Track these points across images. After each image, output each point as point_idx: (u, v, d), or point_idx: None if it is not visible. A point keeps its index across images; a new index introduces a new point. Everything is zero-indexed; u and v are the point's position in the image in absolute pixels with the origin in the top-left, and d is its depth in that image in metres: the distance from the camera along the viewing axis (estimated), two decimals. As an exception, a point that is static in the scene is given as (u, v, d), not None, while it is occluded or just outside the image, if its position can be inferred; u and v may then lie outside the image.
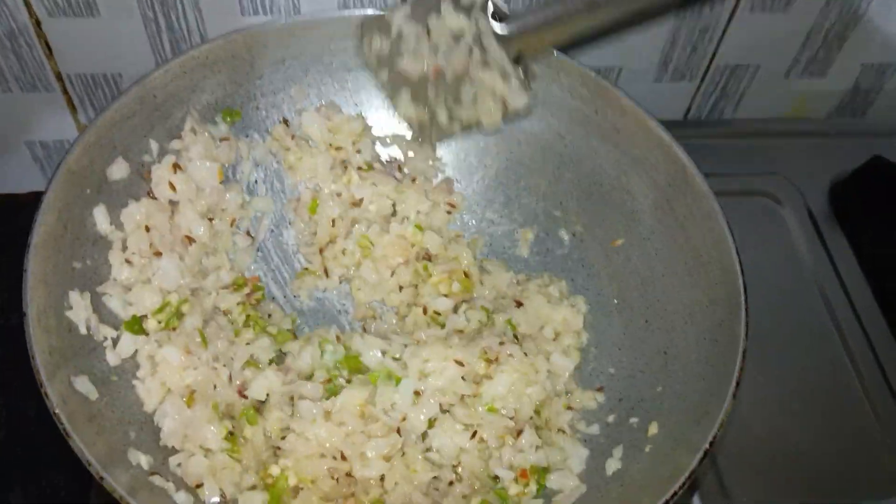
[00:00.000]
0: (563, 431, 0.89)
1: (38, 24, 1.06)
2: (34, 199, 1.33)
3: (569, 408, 0.92)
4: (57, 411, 0.69)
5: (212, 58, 0.97)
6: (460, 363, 0.87)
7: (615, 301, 1.00)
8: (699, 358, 0.87)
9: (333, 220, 1.04)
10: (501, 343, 0.89)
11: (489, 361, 0.89)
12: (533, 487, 0.84)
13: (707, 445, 0.74)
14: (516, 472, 0.84)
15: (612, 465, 0.84)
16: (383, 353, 0.89)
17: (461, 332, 0.94)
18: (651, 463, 0.80)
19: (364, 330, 1.00)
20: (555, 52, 1.01)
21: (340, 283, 1.05)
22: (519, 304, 0.98)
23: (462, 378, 0.87)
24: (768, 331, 1.07)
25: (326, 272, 1.05)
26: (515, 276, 1.04)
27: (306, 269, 1.05)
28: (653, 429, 0.85)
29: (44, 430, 1.15)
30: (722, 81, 1.33)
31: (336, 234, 1.04)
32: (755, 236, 1.20)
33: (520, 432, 0.86)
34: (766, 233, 1.23)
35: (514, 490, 0.84)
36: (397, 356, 0.89)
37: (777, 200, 1.27)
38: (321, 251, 1.05)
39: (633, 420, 0.88)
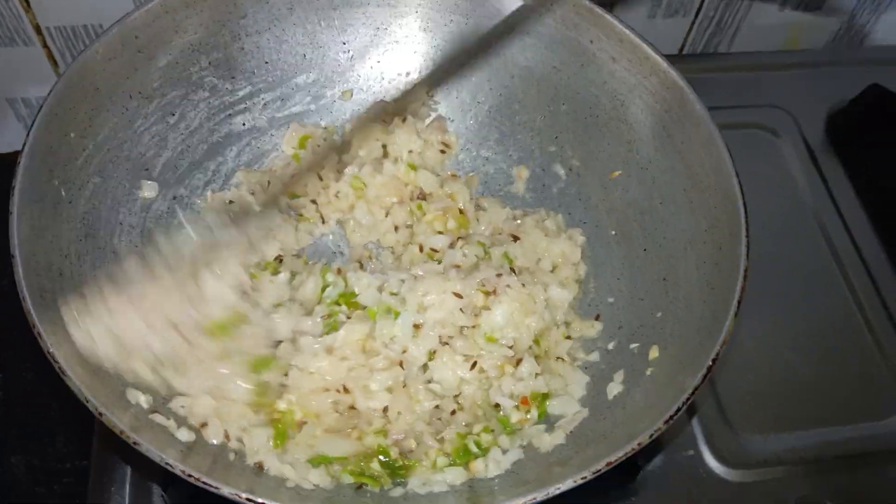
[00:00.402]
0: (563, 359, 0.89)
1: (12, -27, 1.03)
2: (18, 157, 1.33)
3: (568, 337, 0.91)
4: (52, 350, 0.68)
5: (192, -5, 0.95)
6: (458, 295, 0.87)
7: (613, 232, 1.00)
8: (700, 282, 0.86)
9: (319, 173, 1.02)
10: (499, 275, 0.89)
11: (487, 293, 0.88)
12: (535, 413, 0.84)
13: (710, 363, 0.73)
14: (517, 400, 0.83)
15: (614, 389, 0.84)
16: (380, 289, 0.89)
17: (458, 266, 0.93)
18: (653, 385, 0.80)
19: (361, 267, 0.99)
20: (548, -19, 0.99)
21: (339, 226, 1.04)
22: (516, 239, 0.98)
23: (461, 310, 0.87)
24: (768, 262, 1.05)
25: (322, 218, 1.03)
26: (512, 212, 1.03)
27: (301, 215, 1.04)
28: (653, 353, 0.84)
29: (42, 393, 1.18)
30: (716, 15, 1.31)
31: (328, 183, 1.03)
32: (752, 168, 1.15)
33: (519, 361, 0.86)
34: (764, 165, 1.22)
35: (515, 417, 0.84)
36: (395, 291, 0.88)
37: (774, 132, 1.25)
38: (313, 201, 1.03)
39: (634, 346, 0.88)
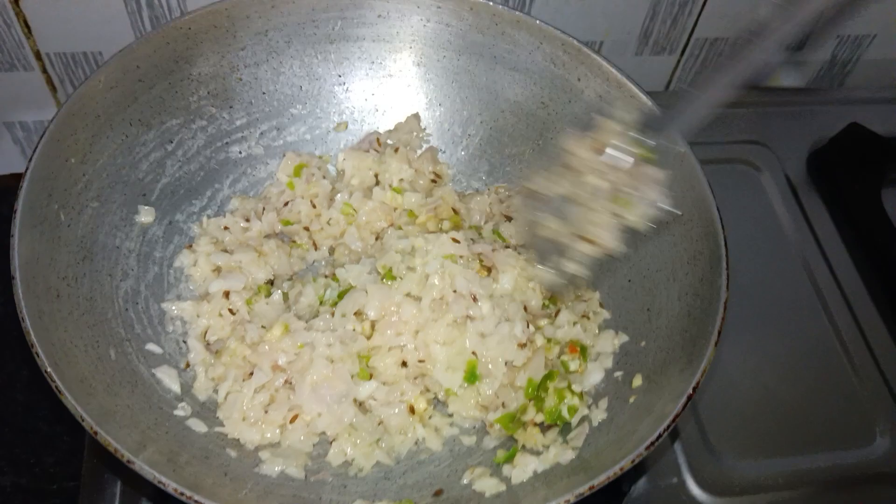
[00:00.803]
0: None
1: (16, 1, 1.05)
2: (15, 181, 1.35)
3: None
4: (49, 370, 0.69)
5: (194, 28, 0.98)
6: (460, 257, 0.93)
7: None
8: (681, 313, 0.88)
9: (312, 200, 1.05)
10: (493, 250, 0.93)
11: (487, 269, 0.92)
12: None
13: (690, 391, 0.75)
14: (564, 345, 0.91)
15: (598, 416, 0.86)
16: (375, 268, 0.94)
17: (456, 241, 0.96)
18: (636, 412, 0.82)
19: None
20: (537, 20, 1.02)
21: (330, 254, 1.06)
22: (508, 219, 1.01)
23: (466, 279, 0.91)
24: (749, 294, 1.09)
25: (315, 245, 1.05)
26: (497, 195, 1.06)
27: (294, 241, 1.06)
28: (637, 381, 0.86)
29: (32, 413, 1.18)
30: (702, 54, 1.35)
31: (320, 211, 1.05)
32: (735, 203, 1.21)
33: (558, 312, 0.95)
34: (746, 200, 1.26)
35: (573, 366, 0.91)
36: (388, 265, 0.93)
37: (756, 167, 1.29)
38: (306, 228, 1.06)
39: (618, 374, 0.90)
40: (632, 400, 0.85)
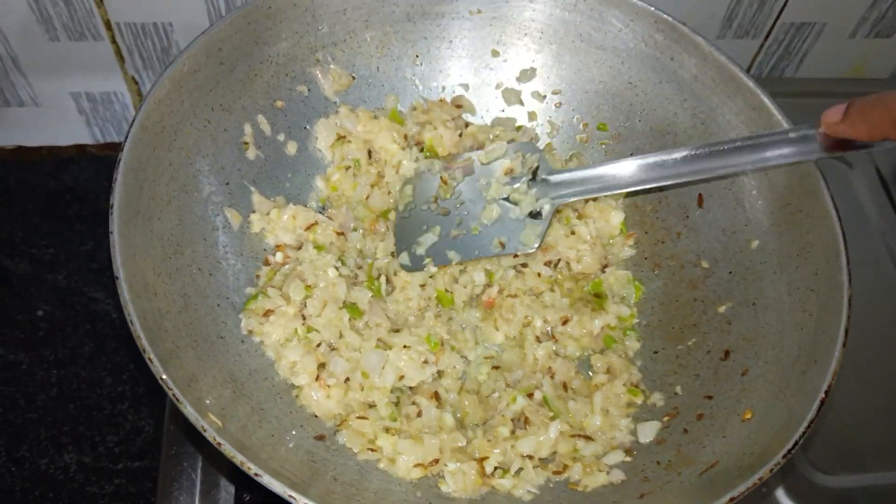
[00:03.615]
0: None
1: (87, -28, 1.01)
2: (77, 152, 1.33)
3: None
4: (164, 377, 0.66)
5: (274, 8, 0.93)
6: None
7: (696, 256, 0.98)
8: (794, 307, 0.85)
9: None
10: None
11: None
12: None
13: (823, 394, 0.72)
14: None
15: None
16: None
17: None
18: (758, 415, 0.79)
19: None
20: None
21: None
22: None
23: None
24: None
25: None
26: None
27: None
28: (747, 374, 0.84)
29: (95, 392, 1.16)
30: (786, 39, 1.30)
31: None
32: None
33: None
34: (836, 196, 1.20)
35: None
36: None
37: (847, 163, 1.24)
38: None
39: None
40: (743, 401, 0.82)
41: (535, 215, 0.95)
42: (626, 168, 0.91)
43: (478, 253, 0.95)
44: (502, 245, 0.95)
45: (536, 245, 0.94)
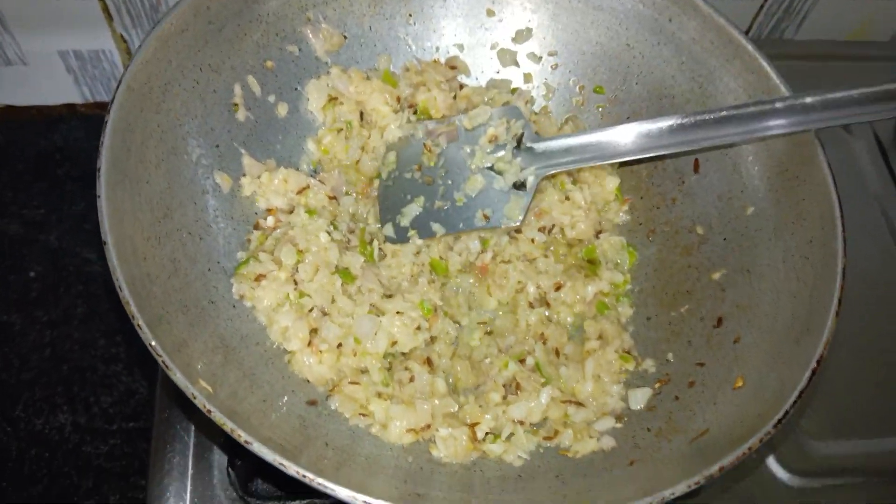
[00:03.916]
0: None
1: (71, -73, 0.98)
2: (66, 111, 1.31)
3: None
4: (154, 343, 0.66)
5: (264, -36, 0.91)
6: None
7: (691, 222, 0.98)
8: (788, 276, 0.84)
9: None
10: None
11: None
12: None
13: (815, 363, 0.72)
14: None
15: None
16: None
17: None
18: (750, 382, 0.79)
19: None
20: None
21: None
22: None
23: None
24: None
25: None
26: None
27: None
28: (741, 341, 0.84)
29: (89, 353, 1.17)
30: (786, 1, 1.27)
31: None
32: None
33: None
34: (834, 162, 1.19)
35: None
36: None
37: (846, 128, 1.22)
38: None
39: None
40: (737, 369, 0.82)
41: (519, 186, 0.93)
42: (613, 137, 0.89)
43: (462, 226, 0.94)
44: (486, 218, 0.94)
45: (520, 219, 0.93)
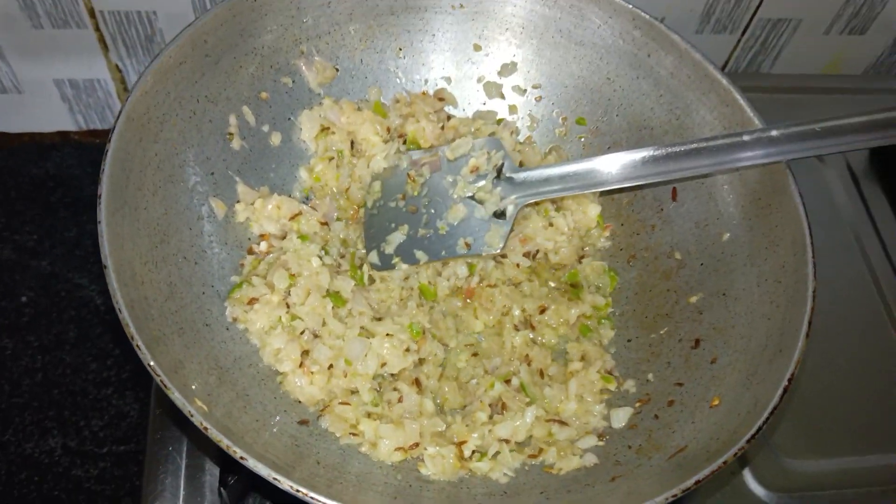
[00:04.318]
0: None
1: (71, -40, 1.02)
2: (60, 138, 1.34)
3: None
4: (152, 364, 0.68)
5: (259, 0, 0.94)
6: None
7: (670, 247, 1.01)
8: (762, 299, 0.88)
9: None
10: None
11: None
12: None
13: (787, 381, 0.76)
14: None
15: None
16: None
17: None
18: (728, 401, 0.82)
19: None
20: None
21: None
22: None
23: None
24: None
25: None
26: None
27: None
28: (718, 363, 0.87)
29: (80, 377, 1.18)
30: (763, 35, 1.33)
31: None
32: None
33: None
34: (807, 190, 1.22)
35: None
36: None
37: (818, 157, 1.27)
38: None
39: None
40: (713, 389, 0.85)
41: (499, 215, 0.97)
42: (590, 167, 0.93)
43: (444, 254, 0.97)
44: (468, 245, 0.97)
45: (500, 246, 0.96)
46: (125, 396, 1.20)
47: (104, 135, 1.31)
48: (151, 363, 0.68)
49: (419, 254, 0.98)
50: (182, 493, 0.90)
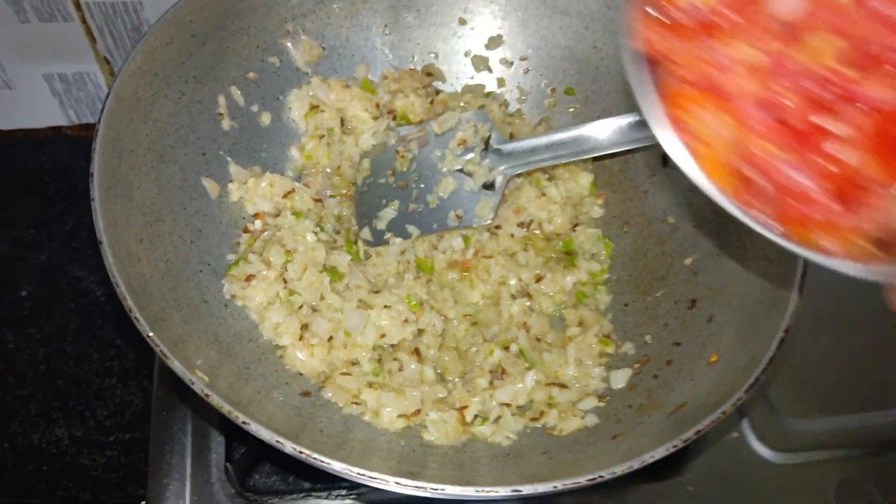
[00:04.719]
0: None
1: (55, -49, 1.02)
2: (53, 134, 1.34)
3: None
4: (151, 335, 0.69)
5: (245, -21, 0.95)
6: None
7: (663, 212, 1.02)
8: (755, 255, 0.89)
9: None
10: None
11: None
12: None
13: (782, 333, 0.76)
14: None
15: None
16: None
17: None
18: (726, 356, 0.83)
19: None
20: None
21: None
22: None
23: None
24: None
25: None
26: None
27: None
28: (714, 320, 0.88)
29: (83, 367, 1.19)
30: None
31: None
32: None
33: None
34: None
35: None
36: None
37: None
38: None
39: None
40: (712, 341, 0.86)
41: (488, 187, 0.97)
42: (577, 135, 0.93)
43: (436, 227, 0.98)
44: (459, 218, 0.98)
45: (491, 217, 0.97)
46: (129, 385, 1.21)
47: (96, 129, 1.32)
48: (150, 334, 0.69)
49: (411, 228, 0.98)
50: (189, 470, 0.91)
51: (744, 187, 0.44)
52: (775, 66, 0.40)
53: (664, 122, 0.47)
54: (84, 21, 1.11)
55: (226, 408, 0.66)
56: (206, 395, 0.66)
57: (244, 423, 0.65)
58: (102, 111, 0.80)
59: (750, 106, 0.40)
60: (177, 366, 0.67)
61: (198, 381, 0.67)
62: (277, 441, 0.64)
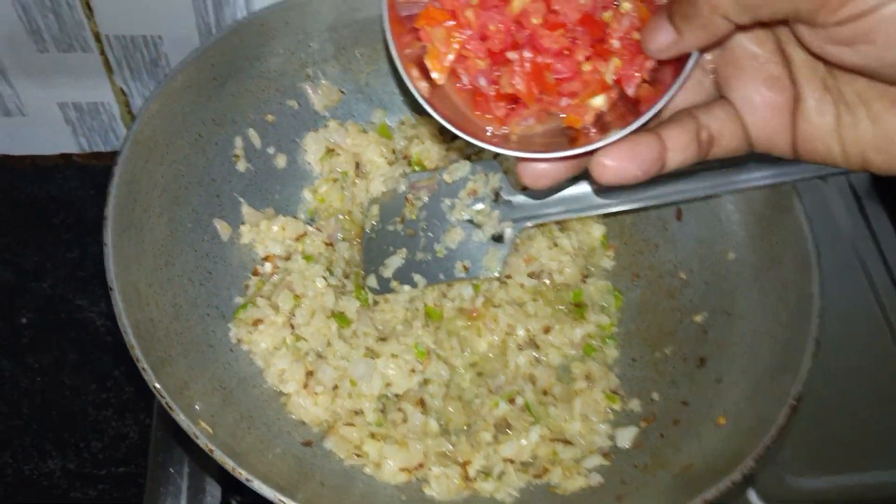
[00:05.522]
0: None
1: (79, -16, 1.03)
2: (62, 160, 1.34)
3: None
4: (157, 385, 0.68)
5: (266, 25, 0.95)
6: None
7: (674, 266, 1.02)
8: (766, 317, 0.88)
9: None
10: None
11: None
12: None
13: (793, 400, 0.76)
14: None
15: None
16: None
17: None
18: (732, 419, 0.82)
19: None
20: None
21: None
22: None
23: None
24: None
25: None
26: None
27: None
28: (722, 382, 0.87)
29: (79, 399, 1.17)
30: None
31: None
32: None
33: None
34: (810, 210, 1.23)
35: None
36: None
37: (821, 177, 1.27)
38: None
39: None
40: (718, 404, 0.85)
41: (497, 238, 0.97)
42: (588, 192, 0.92)
43: (442, 277, 0.97)
44: (466, 269, 0.97)
45: (498, 270, 0.96)
46: (125, 418, 1.19)
47: (107, 157, 1.32)
48: (157, 385, 0.68)
49: (417, 277, 0.98)
50: (184, 514, 0.90)
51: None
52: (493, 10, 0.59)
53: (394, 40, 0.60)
54: (102, 52, 1.12)
55: (229, 464, 0.65)
56: (210, 451, 0.65)
57: (247, 479, 0.64)
58: (120, 154, 0.80)
59: (472, 31, 0.59)
60: (182, 419, 0.67)
61: (202, 436, 0.66)
62: (280, 500, 0.63)
